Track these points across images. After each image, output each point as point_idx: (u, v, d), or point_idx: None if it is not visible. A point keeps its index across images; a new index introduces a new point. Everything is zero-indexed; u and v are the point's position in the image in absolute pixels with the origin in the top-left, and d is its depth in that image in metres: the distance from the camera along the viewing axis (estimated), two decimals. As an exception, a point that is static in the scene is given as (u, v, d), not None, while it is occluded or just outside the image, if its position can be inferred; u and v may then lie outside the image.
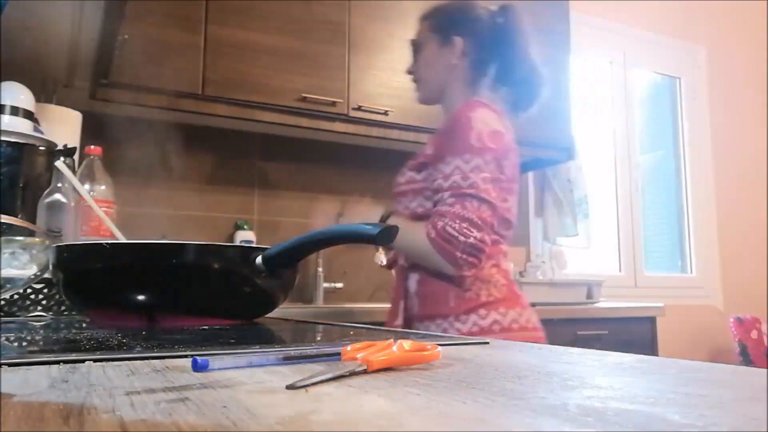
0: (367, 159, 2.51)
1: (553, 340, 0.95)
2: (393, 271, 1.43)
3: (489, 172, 1.19)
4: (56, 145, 1.16)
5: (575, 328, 2.23)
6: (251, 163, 2.35)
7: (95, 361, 0.41)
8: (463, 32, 1.32)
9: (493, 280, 1.25)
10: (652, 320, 2.44)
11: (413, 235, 1.19)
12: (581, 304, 2.39)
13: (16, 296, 0.86)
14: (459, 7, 1.36)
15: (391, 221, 1.24)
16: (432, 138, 1.32)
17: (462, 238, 1.13)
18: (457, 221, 1.14)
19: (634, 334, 2.38)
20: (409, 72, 1.39)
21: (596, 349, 0.52)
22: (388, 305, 1.39)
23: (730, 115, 3.76)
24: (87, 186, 1.26)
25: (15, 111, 1.17)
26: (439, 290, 1.24)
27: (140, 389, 0.31)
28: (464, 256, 1.14)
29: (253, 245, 1.05)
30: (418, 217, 1.26)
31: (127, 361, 0.42)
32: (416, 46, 1.37)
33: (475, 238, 1.14)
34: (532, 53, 1.33)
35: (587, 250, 2.98)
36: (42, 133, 1.22)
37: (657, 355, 0.50)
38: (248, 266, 0.71)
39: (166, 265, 0.69)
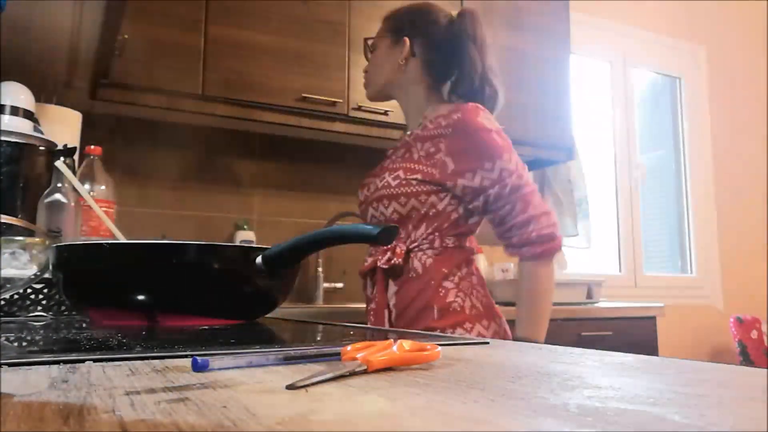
0: (367, 159, 2.50)
1: (555, 339, 0.95)
2: (365, 280, 1.36)
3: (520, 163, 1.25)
4: (56, 145, 1.16)
5: (576, 328, 2.22)
6: (251, 163, 2.35)
7: (95, 361, 0.41)
8: (414, 34, 1.32)
9: (474, 291, 1.24)
10: (652, 320, 2.44)
11: (535, 293, 1.32)
12: (581, 304, 2.39)
13: (16, 296, 0.86)
14: (415, 10, 1.37)
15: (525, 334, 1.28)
16: (431, 145, 1.25)
17: (547, 231, 1.24)
18: (543, 219, 1.23)
19: (634, 334, 2.38)
20: (365, 70, 1.43)
21: (598, 349, 0.52)
22: None
23: (730, 115, 3.76)
24: (87, 186, 1.26)
25: (15, 111, 1.17)
26: (420, 304, 1.21)
27: (140, 389, 0.31)
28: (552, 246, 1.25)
29: (253, 245, 1.05)
30: (394, 222, 1.25)
31: (127, 361, 0.41)
32: (371, 44, 1.40)
33: (553, 228, 1.25)
34: (489, 63, 1.31)
35: (587, 250, 2.98)
36: (42, 133, 1.22)
37: (657, 355, 0.50)
38: (248, 266, 0.71)
39: (166, 265, 0.69)
